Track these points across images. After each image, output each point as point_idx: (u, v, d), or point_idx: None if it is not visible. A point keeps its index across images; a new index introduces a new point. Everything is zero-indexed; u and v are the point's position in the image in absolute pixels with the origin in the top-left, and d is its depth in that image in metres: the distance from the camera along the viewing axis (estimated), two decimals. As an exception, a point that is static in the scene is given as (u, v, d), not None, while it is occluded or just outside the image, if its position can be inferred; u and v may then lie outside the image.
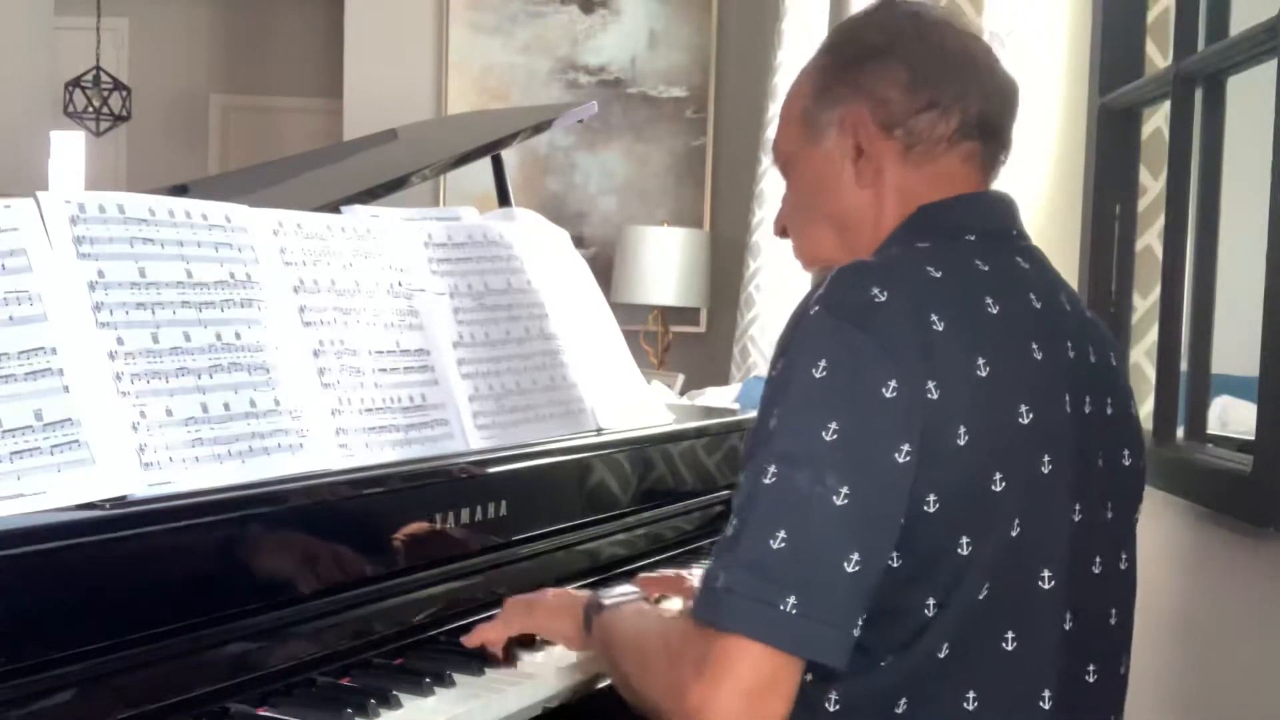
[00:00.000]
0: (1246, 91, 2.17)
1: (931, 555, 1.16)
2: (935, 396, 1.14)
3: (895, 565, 1.16)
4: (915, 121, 1.28)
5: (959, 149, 1.30)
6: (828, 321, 1.16)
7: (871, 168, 1.30)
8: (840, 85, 1.32)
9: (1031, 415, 1.19)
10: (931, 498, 1.15)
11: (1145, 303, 2.59)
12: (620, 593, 1.50)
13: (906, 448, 1.13)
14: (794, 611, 1.10)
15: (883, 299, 1.16)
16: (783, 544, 1.11)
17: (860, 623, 1.14)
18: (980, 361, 1.17)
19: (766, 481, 1.13)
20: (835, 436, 1.12)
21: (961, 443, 1.15)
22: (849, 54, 1.33)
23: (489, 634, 1.47)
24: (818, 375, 1.14)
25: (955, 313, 1.18)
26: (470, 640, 1.46)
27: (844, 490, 1.12)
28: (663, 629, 1.28)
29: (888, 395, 1.13)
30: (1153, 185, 2.58)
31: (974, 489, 1.16)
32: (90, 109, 7.25)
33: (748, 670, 1.11)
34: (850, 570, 1.12)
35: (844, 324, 1.15)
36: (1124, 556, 1.32)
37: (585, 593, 1.51)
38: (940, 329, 1.16)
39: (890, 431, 1.13)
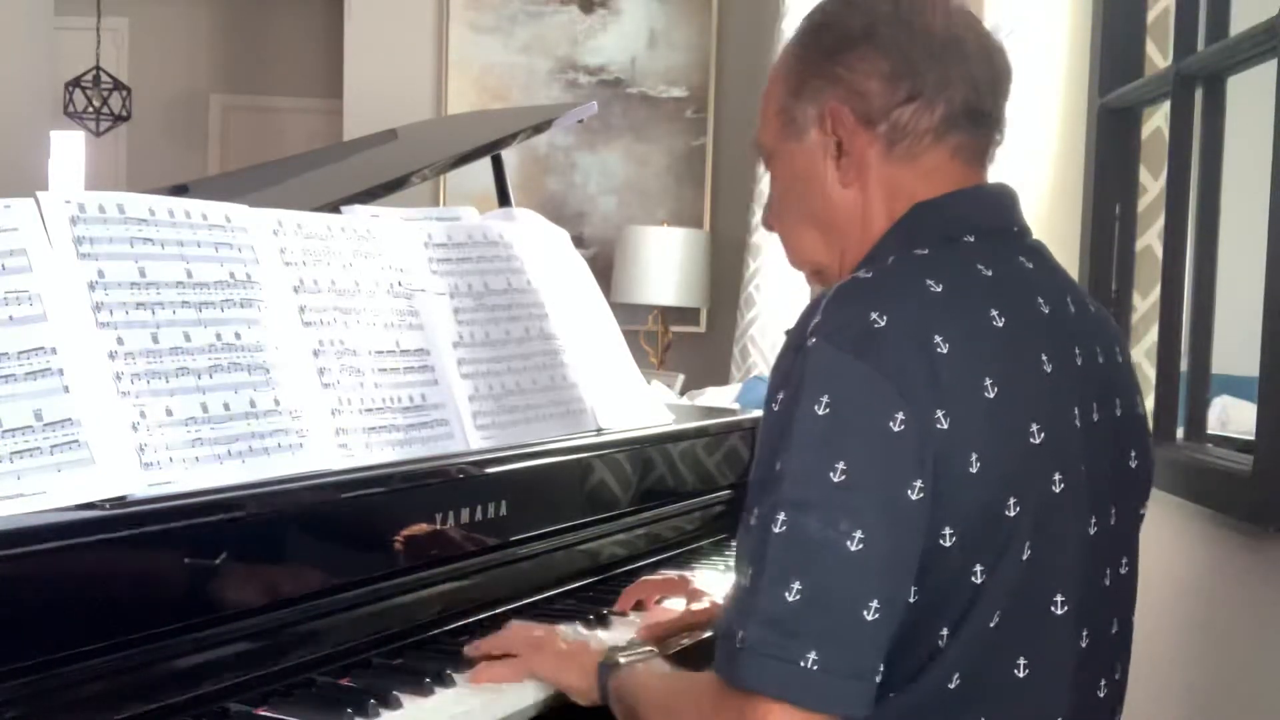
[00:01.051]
0: (1246, 91, 2.17)
1: (946, 586, 1.12)
2: (945, 426, 1.09)
3: (911, 599, 1.11)
4: (898, 114, 1.22)
5: (946, 142, 1.23)
6: (827, 353, 1.10)
7: (854, 165, 1.24)
8: (817, 78, 1.25)
9: (1043, 434, 1.15)
10: (948, 530, 1.10)
11: (1145, 303, 2.59)
12: (632, 648, 1.41)
13: (919, 484, 1.08)
14: (815, 668, 1.06)
15: (882, 324, 1.10)
16: (798, 596, 1.06)
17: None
18: (988, 382, 1.12)
19: (777, 530, 1.08)
20: (844, 478, 1.07)
21: (974, 470, 1.10)
22: (826, 42, 1.26)
23: (496, 673, 1.40)
24: (821, 413, 1.08)
25: (959, 331, 1.12)
26: (476, 677, 1.40)
27: (858, 534, 1.06)
28: (691, 689, 1.23)
29: (895, 429, 1.08)
30: (1153, 185, 2.58)
31: (987, 516, 1.12)
32: (90, 109, 7.25)
33: None
34: (870, 618, 1.07)
35: (844, 355, 1.09)
36: (1124, 561, 1.28)
37: (595, 641, 1.45)
38: (944, 351, 1.10)
39: (901, 468, 1.08)
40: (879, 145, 1.24)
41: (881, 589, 1.07)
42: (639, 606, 1.70)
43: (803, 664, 1.06)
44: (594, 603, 1.71)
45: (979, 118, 1.25)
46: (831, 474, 1.07)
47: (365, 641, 1.42)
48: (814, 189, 1.27)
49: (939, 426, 1.09)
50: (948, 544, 1.10)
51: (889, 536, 1.07)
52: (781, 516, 1.08)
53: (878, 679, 1.09)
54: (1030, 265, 1.24)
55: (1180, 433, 2.26)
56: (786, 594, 1.06)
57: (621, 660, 1.37)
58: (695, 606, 1.67)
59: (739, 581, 1.12)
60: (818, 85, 1.25)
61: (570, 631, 1.49)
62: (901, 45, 1.22)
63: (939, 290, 1.14)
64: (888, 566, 1.08)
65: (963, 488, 1.10)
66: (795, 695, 1.06)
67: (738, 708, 1.09)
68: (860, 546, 1.06)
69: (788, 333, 1.20)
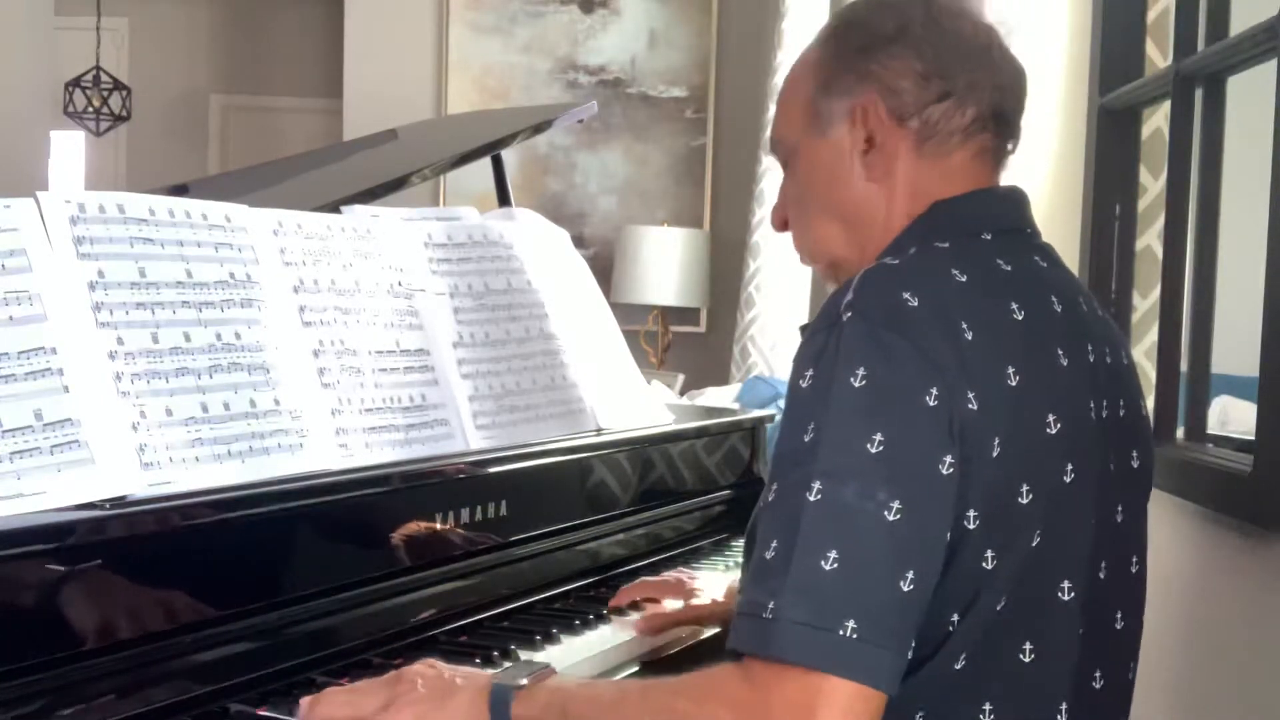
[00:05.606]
0: (1246, 91, 2.17)
1: (959, 569, 1.12)
2: (975, 407, 1.10)
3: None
4: (930, 112, 1.24)
5: (973, 143, 1.26)
6: (863, 328, 1.11)
7: (884, 160, 1.26)
8: (849, 74, 1.27)
9: (1059, 425, 1.16)
10: (972, 513, 1.11)
11: (1145, 303, 2.59)
12: (522, 669, 1.22)
13: (949, 459, 1.09)
14: (854, 636, 1.03)
15: (914, 304, 1.12)
16: (835, 564, 1.04)
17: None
18: (1010, 371, 1.13)
19: (811, 499, 1.06)
20: (881, 448, 1.07)
21: (995, 454, 1.11)
22: (858, 40, 1.28)
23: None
24: (857, 385, 1.08)
25: (983, 320, 1.14)
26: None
27: (895, 505, 1.06)
28: (704, 683, 1.11)
29: (930, 404, 1.09)
30: (1153, 185, 2.58)
31: (1002, 501, 1.13)
32: (90, 109, 7.24)
33: (846, 708, 1.03)
34: (906, 589, 1.06)
35: (879, 329, 1.10)
36: (1134, 560, 1.30)
37: (466, 676, 1.22)
38: (970, 338, 1.12)
39: (934, 442, 1.09)
40: (910, 141, 1.26)
41: (917, 561, 1.07)
42: (635, 606, 1.70)
43: (841, 633, 1.03)
44: (594, 602, 1.71)
45: (1003, 122, 1.28)
46: (869, 445, 1.07)
47: (365, 641, 1.42)
48: (838, 183, 1.30)
49: (970, 407, 1.10)
50: (972, 526, 1.11)
51: (925, 509, 1.08)
52: (817, 485, 1.07)
53: (909, 655, 1.08)
54: (1044, 264, 1.27)
55: (1180, 433, 2.26)
56: (823, 563, 1.05)
57: (524, 681, 1.18)
58: (694, 603, 1.67)
59: (760, 555, 1.09)
60: (850, 81, 1.27)
61: (443, 673, 1.23)
62: (933, 46, 1.25)
63: (964, 280, 1.17)
64: (923, 539, 1.08)
65: (985, 470, 1.11)
66: (838, 666, 1.03)
67: (799, 691, 1.03)
68: (898, 517, 1.06)
69: (802, 327, 1.21)
